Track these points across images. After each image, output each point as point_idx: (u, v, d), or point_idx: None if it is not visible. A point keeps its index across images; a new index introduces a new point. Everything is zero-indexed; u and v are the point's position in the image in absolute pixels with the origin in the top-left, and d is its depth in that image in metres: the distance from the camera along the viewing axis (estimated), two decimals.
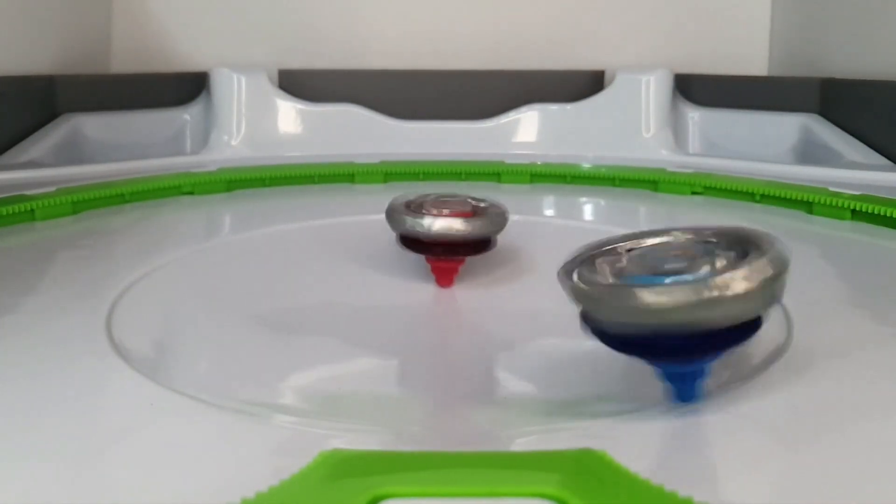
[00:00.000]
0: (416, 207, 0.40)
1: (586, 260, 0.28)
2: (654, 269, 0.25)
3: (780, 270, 0.26)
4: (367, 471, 0.19)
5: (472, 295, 0.40)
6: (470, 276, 0.42)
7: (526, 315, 0.38)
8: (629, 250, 0.28)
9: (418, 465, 0.19)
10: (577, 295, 0.26)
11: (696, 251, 0.26)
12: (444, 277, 0.41)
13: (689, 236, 0.27)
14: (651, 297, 0.23)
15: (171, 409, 0.25)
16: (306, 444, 0.22)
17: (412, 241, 0.39)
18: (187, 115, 0.79)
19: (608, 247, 0.29)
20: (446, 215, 0.39)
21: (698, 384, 0.28)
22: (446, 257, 0.40)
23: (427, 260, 0.41)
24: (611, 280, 0.26)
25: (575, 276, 0.26)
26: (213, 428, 0.24)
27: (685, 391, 0.28)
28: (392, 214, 0.40)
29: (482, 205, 0.41)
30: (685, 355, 0.25)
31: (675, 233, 0.28)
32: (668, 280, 0.24)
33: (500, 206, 0.41)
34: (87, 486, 0.21)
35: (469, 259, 0.41)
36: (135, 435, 0.24)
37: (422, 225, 0.38)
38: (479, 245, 0.40)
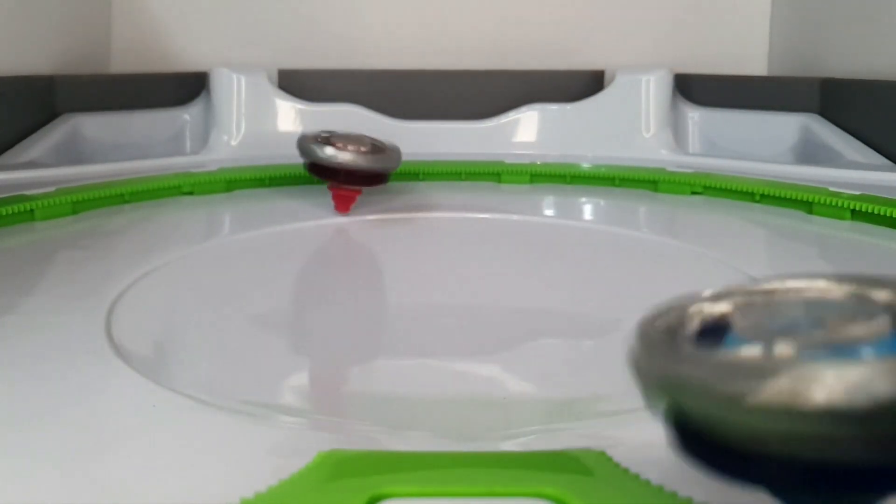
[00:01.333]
0: (324, 140, 0.47)
1: (678, 317, 0.16)
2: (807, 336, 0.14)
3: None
4: (366, 471, 0.19)
5: (478, 291, 0.40)
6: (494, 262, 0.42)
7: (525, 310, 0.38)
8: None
9: (417, 466, 0.19)
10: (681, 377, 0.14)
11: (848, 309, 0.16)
12: (343, 204, 0.50)
13: (847, 288, 0.17)
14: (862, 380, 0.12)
15: (170, 410, 0.25)
16: (305, 444, 0.22)
17: (319, 169, 0.48)
18: (187, 115, 0.79)
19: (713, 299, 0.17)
20: (350, 150, 0.47)
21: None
22: (347, 185, 0.49)
23: (329, 187, 0.50)
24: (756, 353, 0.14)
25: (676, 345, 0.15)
26: (212, 428, 0.24)
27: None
28: (303, 144, 0.48)
29: (379, 145, 0.49)
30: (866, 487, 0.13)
31: (820, 281, 0.17)
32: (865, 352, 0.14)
33: (395, 148, 0.50)
34: (85, 487, 0.20)
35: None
36: (133, 435, 0.24)
37: (329, 155, 0.46)
38: (375, 177, 0.49)
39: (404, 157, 0.73)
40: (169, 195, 0.61)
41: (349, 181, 0.49)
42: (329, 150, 0.47)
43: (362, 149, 0.48)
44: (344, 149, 0.47)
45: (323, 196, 0.66)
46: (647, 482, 0.18)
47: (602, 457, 0.20)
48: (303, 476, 0.19)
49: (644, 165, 0.69)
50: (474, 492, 0.17)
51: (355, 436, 0.25)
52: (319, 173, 0.49)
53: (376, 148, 0.49)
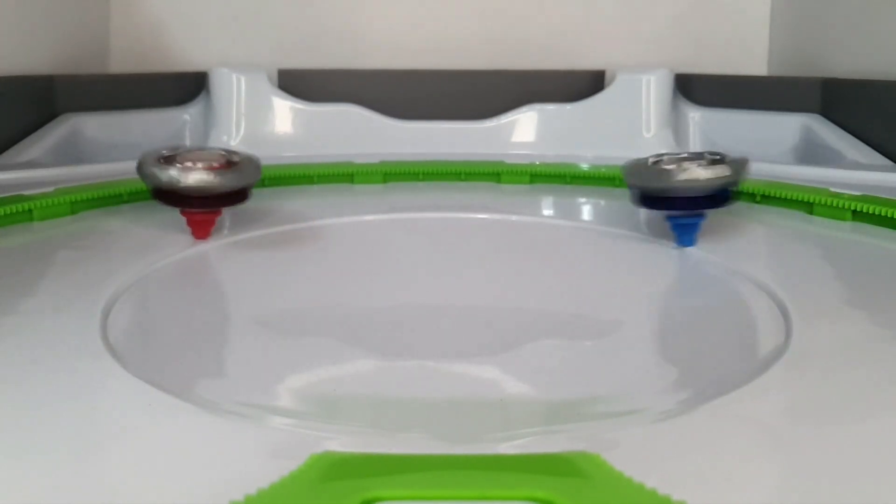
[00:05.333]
0: (167, 160, 0.42)
1: (644, 162, 0.43)
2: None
3: (743, 166, 0.43)
4: (358, 473, 0.19)
5: (477, 292, 0.40)
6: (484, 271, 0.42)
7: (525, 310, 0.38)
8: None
9: (410, 468, 0.19)
10: (630, 171, 0.43)
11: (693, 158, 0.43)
12: (200, 230, 0.44)
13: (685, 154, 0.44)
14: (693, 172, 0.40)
15: (163, 411, 0.25)
16: (298, 446, 0.22)
17: (166, 194, 0.42)
18: (187, 115, 0.79)
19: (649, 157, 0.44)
20: (199, 168, 0.41)
21: (696, 234, 0.44)
22: (200, 210, 0.43)
23: (182, 213, 0.43)
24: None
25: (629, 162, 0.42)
26: (205, 430, 0.24)
27: (686, 238, 0.44)
28: (143, 168, 0.41)
29: (235, 158, 0.43)
30: (692, 208, 0.41)
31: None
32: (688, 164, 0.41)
33: (251, 158, 0.44)
34: (81, 487, 0.20)
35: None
36: (126, 436, 0.24)
37: (173, 177, 0.40)
38: (233, 196, 0.43)
39: (404, 157, 0.73)
40: None
41: (202, 205, 0.43)
42: (173, 173, 0.41)
43: (214, 164, 0.42)
44: (191, 168, 0.41)
45: (322, 196, 0.66)
46: (642, 485, 0.18)
47: (597, 460, 0.19)
48: (294, 478, 0.19)
49: None
50: (466, 495, 0.17)
51: (348, 438, 0.24)
52: (167, 199, 0.42)
53: (229, 163, 0.43)
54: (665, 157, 0.44)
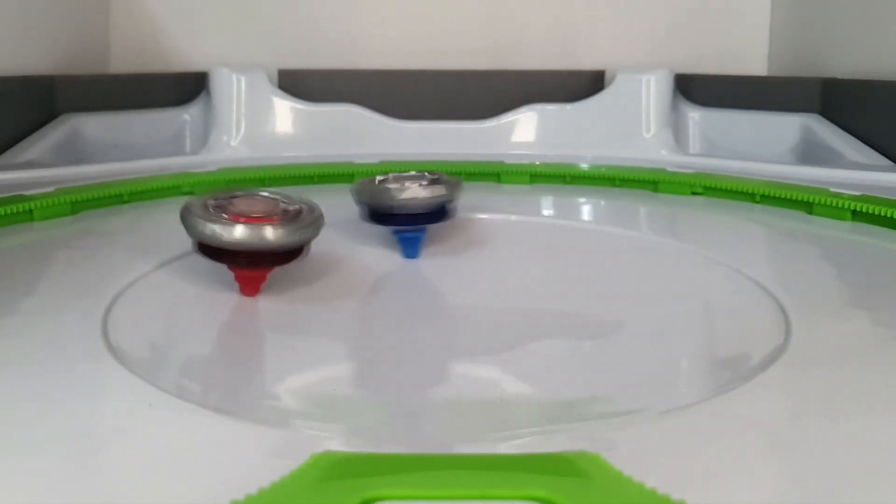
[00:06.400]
0: (218, 209, 0.35)
1: (372, 181, 0.45)
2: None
3: (456, 187, 0.45)
4: (359, 473, 0.19)
5: (477, 292, 0.40)
6: (464, 276, 0.42)
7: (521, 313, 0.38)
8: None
9: (410, 467, 0.19)
10: (358, 190, 0.44)
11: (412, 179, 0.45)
12: (249, 287, 0.37)
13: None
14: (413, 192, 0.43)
15: (164, 411, 0.25)
16: (298, 446, 0.22)
17: (211, 250, 0.35)
18: (187, 116, 0.79)
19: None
20: (249, 221, 0.34)
21: (419, 247, 0.47)
22: (250, 268, 0.36)
23: (229, 267, 0.37)
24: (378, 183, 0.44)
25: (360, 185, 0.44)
26: (205, 430, 0.24)
27: (411, 250, 0.46)
28: (186, 218, 0.35)
29: (293, 208, 0.37)
30: (413, 223, 0.44)
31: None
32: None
33: (315, 207, 0.38)
34: (81, 487, 0.20)
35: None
36: (127, 436, 0.24)
37: (217, 232, 0.34)
38: (288, 254, 0.36)
39: (404, 157, 0.73)
40: (169, 195, 0.61)
41: (251, 263, 0.36)
42: (216, 227, 0.34)
43: (266, 217, 0.35)
44: (239, 221, 0.34)
45: (322, 196, 0.66)
46: (642, 485, 0.18)
47: (597, 459, 0.19)
48: (295, 478, 0.19)
49: (644, 166, 0.69)
50: (466, 494, 0.17)
51: (348, 438, 0.24)
52: (212, 254, 0.36)
53: (287, 213, 0.37)
54: (390, 177, 0.46)
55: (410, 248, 0.48)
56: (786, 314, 0.35)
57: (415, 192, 0.44)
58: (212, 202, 0.36)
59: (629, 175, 0.67)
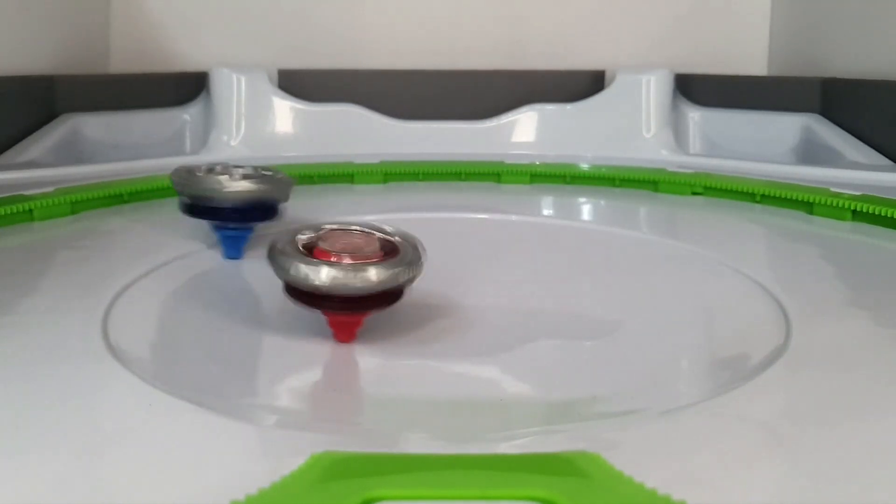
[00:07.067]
0: (306, 246, 0.31)
1: (195, 168, 0.43)
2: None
3: (287, 185, 0.43)
4: (359, 473, 0.19)
5: (477, 292, 0.40)
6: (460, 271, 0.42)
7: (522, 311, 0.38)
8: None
9: (410, 468, 0.19)
10: (177, 178, 0.42)
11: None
12: (344, 333, 0.32)
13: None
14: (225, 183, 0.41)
15: (164, 411, 0.25)
16: (299, 445, 0.22)
17: (298, 292, 0.31)
18: (187, 116, 0.79)
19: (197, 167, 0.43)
20: (344, 262, 0.30)
21: (242, 247, 0.44)
22: (345, 313, 0.32)
23: (322, 312, 0.32)
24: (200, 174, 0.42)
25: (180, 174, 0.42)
26: (205, 430, 0.24)
27: (233, 250, 0.44)
28: (274, 257, 0.31)
29: (396, 240, 0.32)
30: (236, 220, 0.42)
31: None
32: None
33: (417, 244, 0.33)
34: (81, 487, 0.20)
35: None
36: (127, 436, 0.24)
37: (304, 273, 0.29)
38: (387, 296, 0.31)
39: (404, 157, 0.73)
40: (168, 195, 0.61)
41: (347, 308, 0.31)
42: (304, 268, 0.29)
43: (364, 256, 0.31)
44: (330, 262, 0.30)
45: (322, 196, 0.66)
46: (642, 485, 0.18)
47: (597, 459, 0.19)
48: (295, 478, 0.19)
49: (644, 165, 0.69)
50: (467, 494, 0.17)
51: (348, 438, 0.24)
52: (303, 298, 0.31)
53: (389, 245, 0.32)
54: (217, 168, 0.43)
55: (232, 247, 0.44)
56: (786, 314, 0.35)
57: (239, 186, 0.40)
58: (302, 238, 0.32)
59: (629, 175, 0.67)
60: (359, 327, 0.32)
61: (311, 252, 0.31)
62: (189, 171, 0.43)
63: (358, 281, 0.29)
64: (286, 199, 0.44)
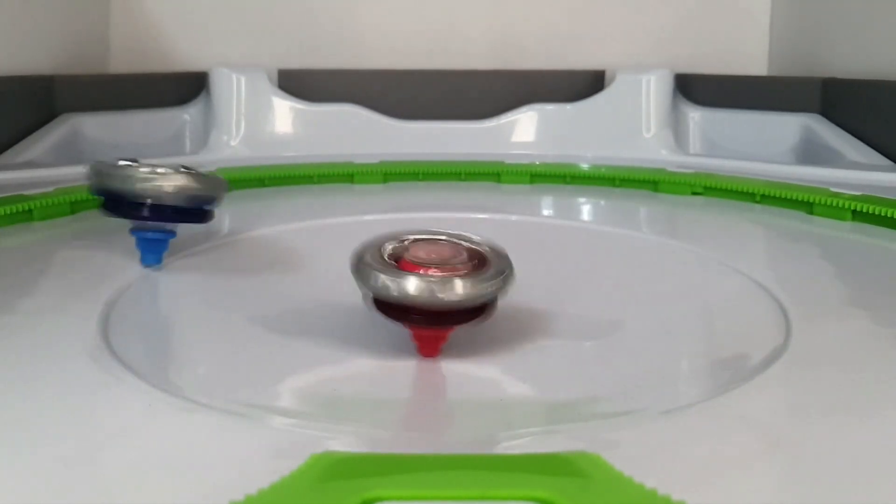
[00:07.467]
0: (393, 257, 0.30)
1: (112, 163, 0.39)
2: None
3: (219, 185, 0.39)
4: (359, 473, 0.19)
5: None
6: None
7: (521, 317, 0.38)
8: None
9: (410, 468, 0.19)
10: (93, 171, 0.38)
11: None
12: (429, 347, 0.31)
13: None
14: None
15: (163, 410, 0.25)
16: (299, 445, 0.22)
17: (385, 305, 0.29)
18: (187, 115, 0.79)
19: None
20: (431, 274, 0.29)
21: (163, 253, 0.40)
22: (430, 327, 0.30)
23: (406, 325, 0.30)
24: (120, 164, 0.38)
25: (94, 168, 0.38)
26: (205, 430, 0.24)
27: (152, 256, 0.40)
28: (359, 270, 0.29)
29: (484, 249, 0.31)
30: (158, 219, 0.38)
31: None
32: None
33: (503, 254, 0.31)
34: (81, 487, 0.20)
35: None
36: (127, 436, 0.24)
37: (387, 285, 0.28)
38: (474, 311, 0.30)
39: (403, 157, 0.73)
40: None
41: (433, 322, 0.29)
42: (387, 281, 0.28)
43: (458, 266, 0.29)
44: (415, 274, 0.28)
45: (322, 196, 0.66)
46: (642, 486, 0.18)
47: (597, 460, 0.19)
48: (295, 478, 0.19)
49: (644, 165, 0.69)
50: (467, 495, 0.17)
51: (348, 438, 0.24)
52: (387, 311, 0.30)
53: (475, 262, 0.30)
54: (139, 162, 0.39)
55: (151, 252, 0.40)
56: (786, 314, 0.35)
57: (163, 181, 0.36)
58: (388, 248, 0.30)
59: (629, 175, 0.67)
60: (444, 342, 0.31)
61: (397, 263, 0.29)
62: (108, 164, 0.38)
63: (446, 293, 0.28)
64: (220, 200, 0.40)
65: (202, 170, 0.40)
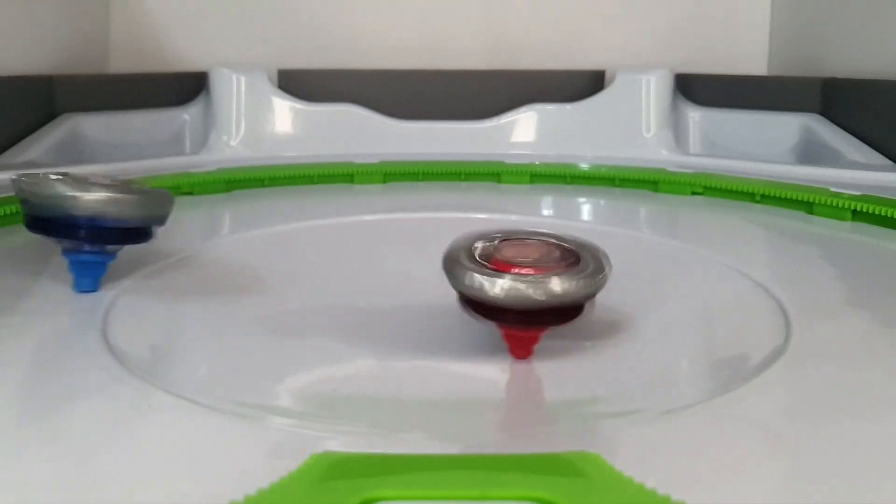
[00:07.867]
0: (483, 257, 0.29)
1: (42, 176, 0.34)
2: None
3: (164, 200, 0.35)
4: (358, 473, 0.19)
5: None
6: None
7: None
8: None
9: (409, 468, 0.19)
10: (16, 185, 0.33)
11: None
12: (522, 348, 0.31)
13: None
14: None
15: (163, 410, 0.25)
16: (298, 446, 0.22)
17: (476, 305, 0.29)
18: (186, 115, 0.79)
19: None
20: (524, 269, 0.28)
21: (100, 277, 0.36)
22: (522, 327, 0.30)
23: (498, 325, 0.30)
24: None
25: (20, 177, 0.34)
26: (205, 430, 0.24)
27: (86, 281, 0.35)
28: (450, 267, 0.29)
29: (571, 252, 0.30)
30: (92, 240, 0.33)
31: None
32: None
33: (598, 254, 0.30)
34: (81, 487, 0.20)
35: None
36: (127, 436, 0.24)
37: (480, 284, 0.27)
38: (568, 311, 0.29)
39: (403, 157, 0.73)
40: None
41: (525, 322, 0.29)
42: (480, 279, 0.27)
43: (551, 265, 0.29)
44: (512, 270, 0.28)
45: (322, 196, 0.66)
46: (642, 485, 0.18)
47: (597, 459, 0.19)
48: (294, 478, 0.19)
49: (644, 165, 0.69)
50: (466, 495, 0.17)
51: (348, 438, 0.24)
52: (479, 310, 0.29)
53: (569, 261, 0.30)
54: (70, 175, 0.35)
55: (86, 275, 0.36)
56: (786, 314, 0.35)
57: (102, 197, 0.32)
58: (478, 247, 0.30)
59: (629, 175, 0.67)
60: (536, 343, 0.31)
61: (489, 262, 0.29)
62: (37, 178, 0.34)
63: (540, 293, 0.27)
64: (163, 220, 0.36)
65: (141, 183, 0.37)
